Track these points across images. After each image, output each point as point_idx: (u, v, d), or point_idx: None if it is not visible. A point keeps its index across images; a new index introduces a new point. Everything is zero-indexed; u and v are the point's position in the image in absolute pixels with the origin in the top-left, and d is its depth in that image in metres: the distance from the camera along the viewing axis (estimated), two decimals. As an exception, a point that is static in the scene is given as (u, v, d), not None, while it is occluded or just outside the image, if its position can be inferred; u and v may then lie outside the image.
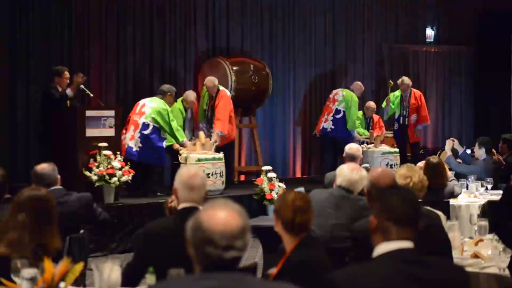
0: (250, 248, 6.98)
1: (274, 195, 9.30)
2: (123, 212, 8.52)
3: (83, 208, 5.14)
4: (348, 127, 11.39)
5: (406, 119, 11.72)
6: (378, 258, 2.61)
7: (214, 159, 9.41)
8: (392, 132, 12.23)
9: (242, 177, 12.08)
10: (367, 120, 11.99)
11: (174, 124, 9.32)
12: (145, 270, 3.50)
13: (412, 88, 11.79)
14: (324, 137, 11.67)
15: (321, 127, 11.63)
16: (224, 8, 12.12)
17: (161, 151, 9.25)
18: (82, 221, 5.19)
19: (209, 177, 9.12)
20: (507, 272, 4.08)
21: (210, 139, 9.83)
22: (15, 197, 4.08)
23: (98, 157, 8.39)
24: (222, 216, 2.16)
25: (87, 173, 8.31)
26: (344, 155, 6.66)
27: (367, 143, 11.41)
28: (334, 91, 11.80)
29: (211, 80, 10.23)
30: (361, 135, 11.66)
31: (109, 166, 8.34)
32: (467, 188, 7.57)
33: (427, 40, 14.96)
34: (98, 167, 8.34)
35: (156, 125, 9.18)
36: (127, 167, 8.48)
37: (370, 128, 11.89)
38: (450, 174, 6.92)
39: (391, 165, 10.78)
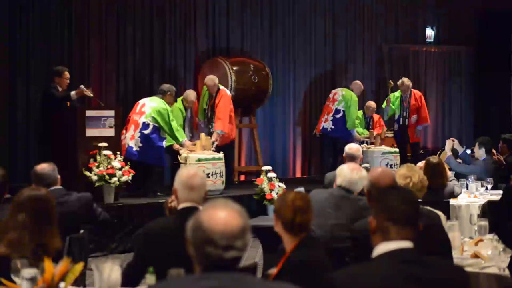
0: (250, 248, 6.97)
1: (274, 195, 9.30)
2: (123, 212, 8.52)
3: (83, 208, 5.14)
4: (348, 126, 11.38)
5: (406, 120, 11.72)
6: (378, 258, 2.61)
7: (214, 159, 9.41)
8: (392, 132, 12.23)
9: (242, 177, 12.08)
10: (367, 120, 11.99)
11: (174, 124, 9.32)
12: (145, 270, 3.50)
13: (412, 89, 11.79)
14: (324, 137, 11.66)
15: (321, 127, 11.63)
16: (224, 8, 12.12)
17: (161, 151, 9.25)
18: (82, 221, 5.19)
19: (209, 177, 9.12)
20: (507, 272, 4.08)
21: (210, 138, 9.83)
22: (15, 197, 4.08)
23: (98, 157, 8.39)
24: (222, 216, 2.16)
25: (87, 173, 8.31)
26: (344, 155, 6.66)
27: (367, 143, 11.41)
28: (334, 91, 11.80)
29: (211, 78, 10.23)
30: (360, 135, 11.65)
31: (109, 166, 8.34)
32: (467, 188, 7.57)
33: (427, 40, 14.96)
34: (98, 167, 8.34)
35: (156, 124, 9.18)
36: (127, 167, 8.48)
37: (370, 127, 11.88)
38: (450, 174, 6.92)
39: (391, 165, 10.78)
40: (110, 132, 8.74)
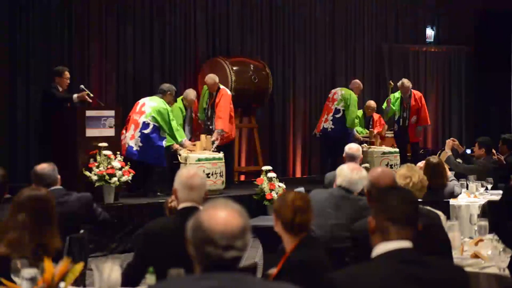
0: (250, 248, 6.97)
1: (274, 195, 9.31)
2: (123, 212, 8.52)
3: (83, 208, 5.14)
4: (348, 125, 11.34)
5: (407, 120, 11.73)
6: (378, 258, 2.61)
7: (214, 159, 9.41)
8: (392, 132, 12.23)
9: (242, 177, 12.08)
10: (367, 119, 11.98)
11: (173, 123, 9.33)
12: (145, 270, 3.50)
13: (412, 90, 11.78)
14: (324, 137, 11.63)
15: (321, 127, 11.58)
16: (224, 8, 12.12)
17: (161, 151, 9.25)
18: (82, 221, 5.19)
19: (209, 177, 9.12)
20: (507, 272, 4.08)
21: (211, 137, 9.82)
22: (15, 197, 4.08)
23: (98, 157, 8.39)
24: (223, 216, 2.16)
25: (87, 173, 8.31)
26: (344, 155, 6.65)
27: (367, 143, 11.41)
28: (333, 91, 11.77)
29: (211, 77, 10.22)
30: (359, 134, 11.64)
31: (109, 166, 8.34)
32: (467, 188, 7.57)
33: (427, 40, 14.97)
34: (98, 167, 8.34)
35: (156, 124, 9.18)
36: (127, 167, 8.48)
37: (371, 127, 11.87)
38: (450, 174, 6.92)
39: (391, 165, 10.78)
40: (110, 132, 8.74)
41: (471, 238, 5.13)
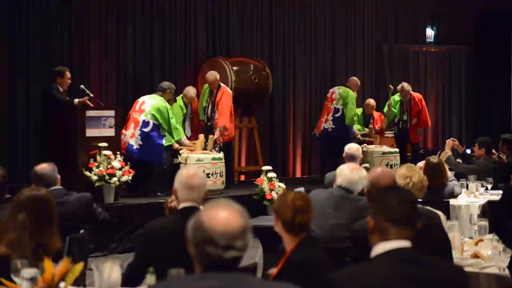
0: (250, 248, 6.97)
1: (274, 195, 9.31)
2: (123, 212, 8.52)
3: (83, 208, 5.14)
4: (346, 123, 11.31)
5: (407, 123, 11.73)
6: (377, 258, 2.61)
7: (214, 159, 9.41)
8: (392, 132, 12.22)
9: (242, 177, 12.08)
10: (367, 118, 11.96)
11: (173, 121, 9.33)
12: (146, 270, 3.50)
13: (412, 92, 11.78)
14: (325, 137, 11.60)
15: (321, 128, 11.54)
16: (224, 8, 12.12)
17: (161, 149, 9.26)
18: (82, 221, 5.19)
19: (209, 177, 9.12)
20: (507, 272, 4.08)
21: (213, 137, 9.81)
22: (15, 197, 4.08)
23: (98, 157, 8.39)
24: (223, 216, 2.16)
25: (87, 173, 8.31)
26: (344, 155, 6.65)
27: (367, 143, 11.40)
28: (331, 90, 11.71)
29: (213, 74, 10.21)
30: (358, 131, 11.62)
31: (109, 166, 8.34)
32: (467, 188, 7.57)
33: (427, 40, 14.97)
34: (98, 167, 8.34)
35: (155, 122, 9.19)
36: (127, 167, 8.48)
37: (371, 124, 11.85)
38: (450, 174, 6.92)
39: (391, 165, 10.77)
40: (110, 132, 8.73)
41: (471, 238, 5.13)
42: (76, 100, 8.72)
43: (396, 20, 14.41)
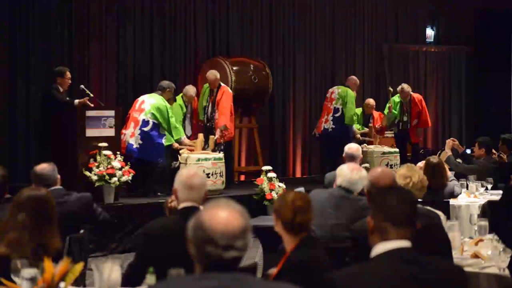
0: (250, 248, 6.97)
1: (274, 195, 9.31)
2: (123, 212, 8.52)
3: (83, 208, 5.14)
4: (346, 122, 11.30)
5: (408, 124, 11.73)
6: (377, 258, 2.61)
7: (214, 159, 9.41)
8: (392, 132, 12.22)
9: (242, 177, 12.08)
10: (366, 117, 11.95)
11: (172, 120, 9.33)
12: (146, 270, 3.50)
13: (412, 93, 11.77)
14: (325, 137, 11.59)
15: (322, 128, 11.53)
16: (224, 8, 12.12)
17: (161, 148, 9.26)
18: (82, 221, 5.19)
19: (209, 177, 9.12)
20: (507, 272, 4.08)
21: (214, 135, 9.81)
22: (15, 197, 4.08)
23: (98, 157, 8.39)
24: (224, 216, 2.17)
25: (87, 173, 8.31)
26: (344, 155, 6.65)
27: (367, 143, 11.40)
28: (330, 90, 11.70)
29: (213, 73, 10.21)
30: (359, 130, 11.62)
31: (109, 166, 8.34)
32: (467, 188, 7.57)
33: (427, 40, 14.97)
34: (98, 167, 8.34)
35: (155, 121, 9.19)
36: (127, 167, 8.48)
37: (370, 124, 11.83)
38: (450, 174, 6.92)
39: (391, 165, 10.77)
40: (110, 132, 8.73)
41: (471, 238, 5.13)
42: (76, 101, 8.72)
43: (396, 20, 14.41)
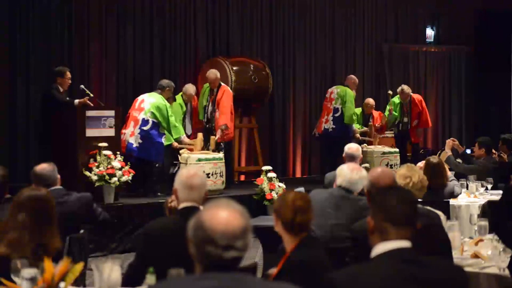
0: (250, 248, 6.96)
1: (274, 195, 9.31)
2: (123, 212, 8.52)
3: (83, 208, 5.14)
4: (345, 121, 11.30)
5: (408, 125, 11.73)
6: (377, 258, 2.61)
7: (214, 159, 9.41)
8: (392, 132, 12.22)
9: (242, 177, 12.08)
10: (366, 117, 11.95)
11: (172, 119, 9.33)
12: (146, 270, 3.50)
13: (412, 94, 11.77)
14: (325, 137, 11.58)
15: (322, 128, 11.52)
16: (224, 8, 12.12)
17: (161, 147, 9.26)
18: (82, 221, 5.19)
19: (209, 177, 9.12)
20: (507, 272, 4.08)
21: (215, 136, 9.81)
22: (15, 197, 4.08)
23: (98, 157, 8.39)
24: (224, 216, 2.16)
25: (87, 173, 8.31)
26: (344, 155, 6.65)
27: (367, 143, 11.40)
28: (330, 90, 11.69)
29: (213, 72, 10.21)
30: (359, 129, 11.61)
31: (109, 166, 8.34)
32: (467, 188, 7.57)
33: (427, 40, 14.97)
34: (98, 167, 8.34)
35: (155, 120, 9.19)
36: (127, 167, 8.48)
37: (370, 123, 11.82)
38: (450, 174, 6.92)
39: (391, 165, 10.77)
40: (110, 132, 8.73)
41: (471, 238, 5.13)
42: (76, 101, 8.72)
43: (396, 20, 14.41)
